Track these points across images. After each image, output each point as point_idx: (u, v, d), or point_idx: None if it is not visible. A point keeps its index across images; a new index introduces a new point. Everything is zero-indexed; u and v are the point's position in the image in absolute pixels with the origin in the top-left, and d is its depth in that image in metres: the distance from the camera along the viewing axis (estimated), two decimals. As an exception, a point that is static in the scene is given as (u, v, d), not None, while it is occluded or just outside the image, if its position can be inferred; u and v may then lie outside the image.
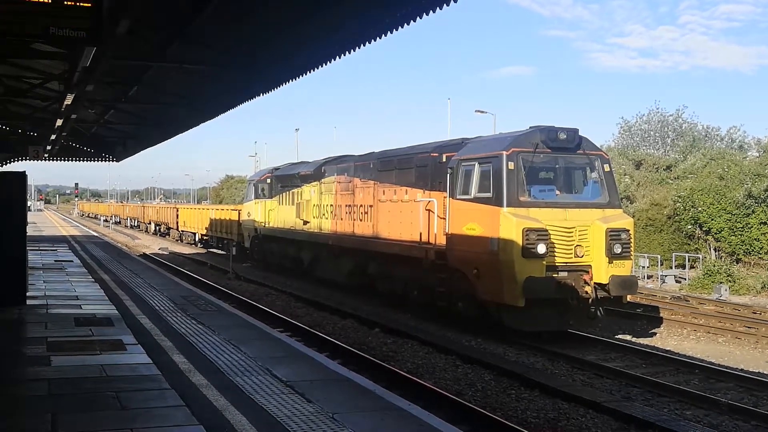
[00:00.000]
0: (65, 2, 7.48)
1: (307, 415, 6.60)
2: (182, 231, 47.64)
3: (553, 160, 15.30)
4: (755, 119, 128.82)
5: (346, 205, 21.73)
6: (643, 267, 27.12)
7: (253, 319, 12.87)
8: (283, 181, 28.01)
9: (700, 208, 29.13)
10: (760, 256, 27.69)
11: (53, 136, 22.52)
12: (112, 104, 19.82)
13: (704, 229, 29.43)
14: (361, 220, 20.68)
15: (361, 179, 20.89)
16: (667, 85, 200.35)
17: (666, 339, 16.44)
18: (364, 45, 10.99)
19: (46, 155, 27.57)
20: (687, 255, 28.32)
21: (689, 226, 29.95)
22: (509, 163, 14.54)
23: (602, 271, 14.58)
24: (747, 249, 28.03)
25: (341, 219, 22.08)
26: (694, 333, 16.92)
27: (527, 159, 14.79)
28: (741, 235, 28.13)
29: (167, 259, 33.53)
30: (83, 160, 32.10)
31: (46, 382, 7.61)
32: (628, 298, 15.59)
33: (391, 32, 10.09)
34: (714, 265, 26.18)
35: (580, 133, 15.34)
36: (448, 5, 8.68)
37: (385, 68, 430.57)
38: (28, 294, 13.20)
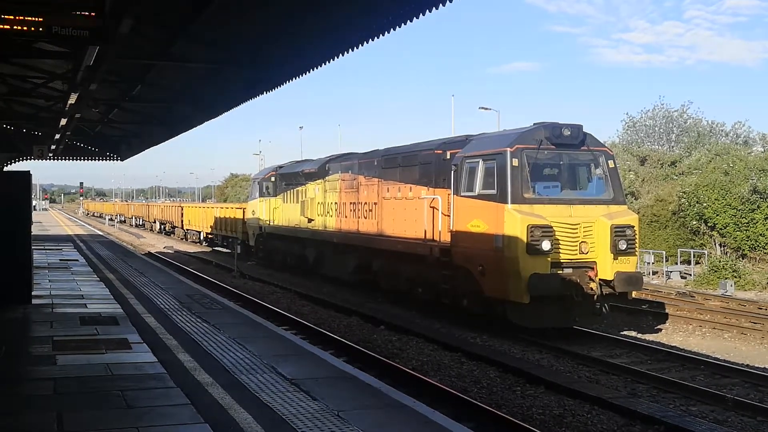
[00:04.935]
0: (68, 1, 7.48)
1: (313, 413, 6.60)
2: (187, 230, 47.72)
3: (558, 157, 15.27)
4: (760, 114, 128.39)
5: (351, 203, 21.72)
6: (648, 263, 27.07)
7: (258, 317, 12.87)
8: (288, 179, 28.02)
9: (705, 204, 29.05)
10: (765, 251, 27.60)
11: (57, 136, 22.58)
12: (115, 103, 19.85)
13: (709, 224, 29.35)
14: (365, 218, 20.68)
15: (365, 177, 20.88)
16: (672, 81, 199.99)
17: (671, 335, 16.42)
18: (366, 43, 10.99)
19: (50, 154, 27.67)
20: (692, 251, 28.25)
21: (694, 222, 29.88)
22: (513, 159, 14.52)
23: (607, 268, 14.57)
24: (752, 244, 27.95)
25: (345, 217, 22.09)
26: (699, 329, 16.89)
27: (531, 156, 14.77)
28: (746, 230, 28.06)
29: (172, 257, 33.57)
30: (88, 159, 32.20)
31: (52, 381, 7.63)
32: (633, 294, 15.56)
33: (394, 29, 10.10)
34: (719, 261, 26.14)
35: (584, 130, 15.32)
36: (451, 1, 8.70)
37: (389, 66, 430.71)
38: (33, 293, 13.22)
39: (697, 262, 27.96)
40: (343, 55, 11.91)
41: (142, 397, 7.09)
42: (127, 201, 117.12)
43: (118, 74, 15.45)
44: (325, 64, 12.70)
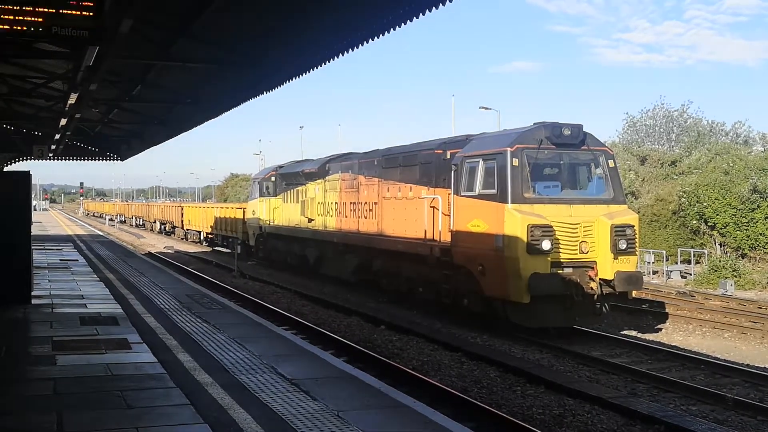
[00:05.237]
0: (68, 1, 7.47)
1: (313, 413, 6.59)
2: (187, 230, 47.72)
3: (558, 156, 15.27)
4: (760, 114, 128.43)
5: (351, 203, 21.72)
6: (649, 262, 27.08)
7: (258, 317, 12.87)
8: (288, 179, 28.02)
9: (705, 204, 29.06)
10: (765, 250, 27.61)
11: (57, 136, 22.57)
12: (116, 103, 19.84)
13: (709, 224, 29.36)
14: (365, 218, 20.68)
15: (365, 176, 20.88)
16: (672, 81, 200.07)
17: (671, 334, 16.41)
18: (367, 42, 10.98)
19: (50, 155, 27.65)
20: (692, 250, 28.25)
21: (694, 222, 29.88)
22: (513, 159, 14.52)
23: (607, 267, 14.56)
24: (752, 244, 27.96)
25: (346, 216, 22.08)
26: (699, 328, 16.88)
27: (531, 155, 14.77)
28: (746, 230, 28.06)
29: (172, 257, 33.57)
30: (88, 160, 32.18)
31: (52, 381, 7.62)
32: (634, 293, 15.56)
33: (394, 29, 10.09)
34: (719, 261, 26.13)
35: (584, 129, 15.31)
36: (451, 1, 8.70)
37: (389, 65, 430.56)
38: (33, 293, 13.22)
39: (697, 262, 27.96)
40: (343, 55, 11.90)
41: (142, 397, 7.09)
42: (127, 201, 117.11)
43: (118, 74, 15.44)
44: (325, 63, 12.70)
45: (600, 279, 14.53)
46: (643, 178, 36.84)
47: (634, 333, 16.32)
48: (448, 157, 16.60)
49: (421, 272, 17.76)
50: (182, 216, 48.50)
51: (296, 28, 11.55)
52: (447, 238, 16.17)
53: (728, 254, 28.13)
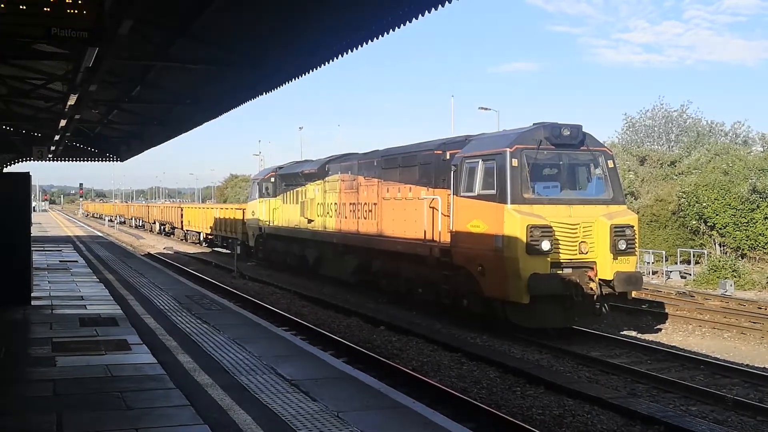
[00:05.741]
0: (66, 2, 7.46)
1: (312, 414, 6.59)
2: (187, 230, 47.73)
3: (557, 157, 15.28)
4: (759, 114, 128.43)
5: (350, 204, 21.72)
6: (648, 263, 27.09)
7: (257, 318, 12.86)
8: (287, 179, 28.03)
9: (704, 204, 29.07)
10: (765, 251, 27.62)
11: (57, 137, 22.54)
12: (115, 104, 19.82)
13: (709, 224, 29.37)
14: (365, 218, 20.68)
15: (365, 177, 20.89)
16: (671, 81, 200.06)
17: (671, 335, 16.42)
18: (367, 43, 10.98)
19: (50, 156, 27.61)
20: (692, 250, 28.26)
21: (694, 222, 29.89)
22: (513, 160, 14.53)
23: (607, 267, 14.57)
24: (752, 244, 27.96)
25: (345, 217, 22.08)
26: (699, 329, 16.89)
27: (531, 156, 14.78)
28: (746, 230, 28.07)
29: (172, 258, 33.57)
30: (87, 161, 32.16)
31: (52, 382, 7.62)
32: (633, 294, 15.57)
33: (393, 30, 10.09)
34: (719, 261, 26.14)
35: (583, 130, 15.32)
36: (450, 2, 8.70)
37: (388, 66, 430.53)
38: (32, 294, 13.21)
39: (696, 262, 27.96)
40: (343, 56, 11.90)
41: (142, 398, 7.09)
42: (126, 202, 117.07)
43: (117, 75, 15.43)
44: (325, 64, 12.69)
45: (599, 279, 14.53)
46: (642, 178, 36.86)
47: (633, 333, 16.32)
48: (448, 157, 16.61)
49: (420, 273, 17.76)
50: (182, 217, 48.52)
51: (296, 29, 11.54)
52: (446, 238, 16.17)
53: (728, 254, 28.14)
